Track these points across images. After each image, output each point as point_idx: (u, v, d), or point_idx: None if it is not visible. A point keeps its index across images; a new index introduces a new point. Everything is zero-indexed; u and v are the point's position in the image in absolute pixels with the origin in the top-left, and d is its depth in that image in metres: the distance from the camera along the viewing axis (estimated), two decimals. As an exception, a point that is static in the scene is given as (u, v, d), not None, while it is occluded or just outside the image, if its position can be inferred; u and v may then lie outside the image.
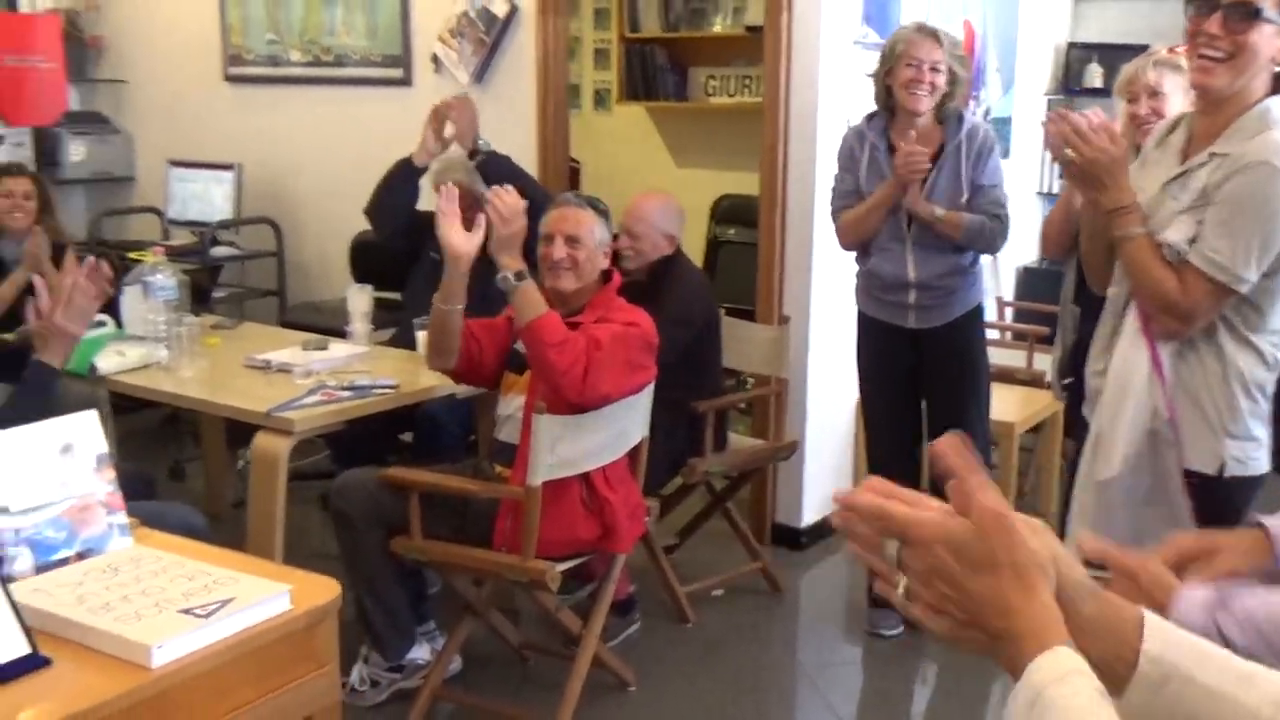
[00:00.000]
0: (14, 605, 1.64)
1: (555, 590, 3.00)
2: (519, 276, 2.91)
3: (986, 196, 3.50)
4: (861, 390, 3.86)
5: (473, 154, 4.00)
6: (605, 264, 3.16)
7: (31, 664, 1.60)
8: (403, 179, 4.08)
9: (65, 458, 1.93)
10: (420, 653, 3.28)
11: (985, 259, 3.79)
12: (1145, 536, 2.29)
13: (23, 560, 1.84)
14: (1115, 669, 0.89)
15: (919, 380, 3.69)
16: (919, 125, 3.50)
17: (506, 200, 2.96)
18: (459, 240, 2.97)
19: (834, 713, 3.39)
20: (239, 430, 3.57)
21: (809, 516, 4.43)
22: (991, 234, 3.52)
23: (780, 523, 4.45)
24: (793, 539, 4.42)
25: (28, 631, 1.62)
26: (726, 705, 3.37)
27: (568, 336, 2.88)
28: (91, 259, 2.85)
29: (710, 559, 4.13)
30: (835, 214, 3.68)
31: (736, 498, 4.09)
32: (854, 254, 3.73)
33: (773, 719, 3.43)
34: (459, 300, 3.02)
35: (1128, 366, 2.29)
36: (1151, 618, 0.91)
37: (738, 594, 4.02)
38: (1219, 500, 2.26)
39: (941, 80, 3.46)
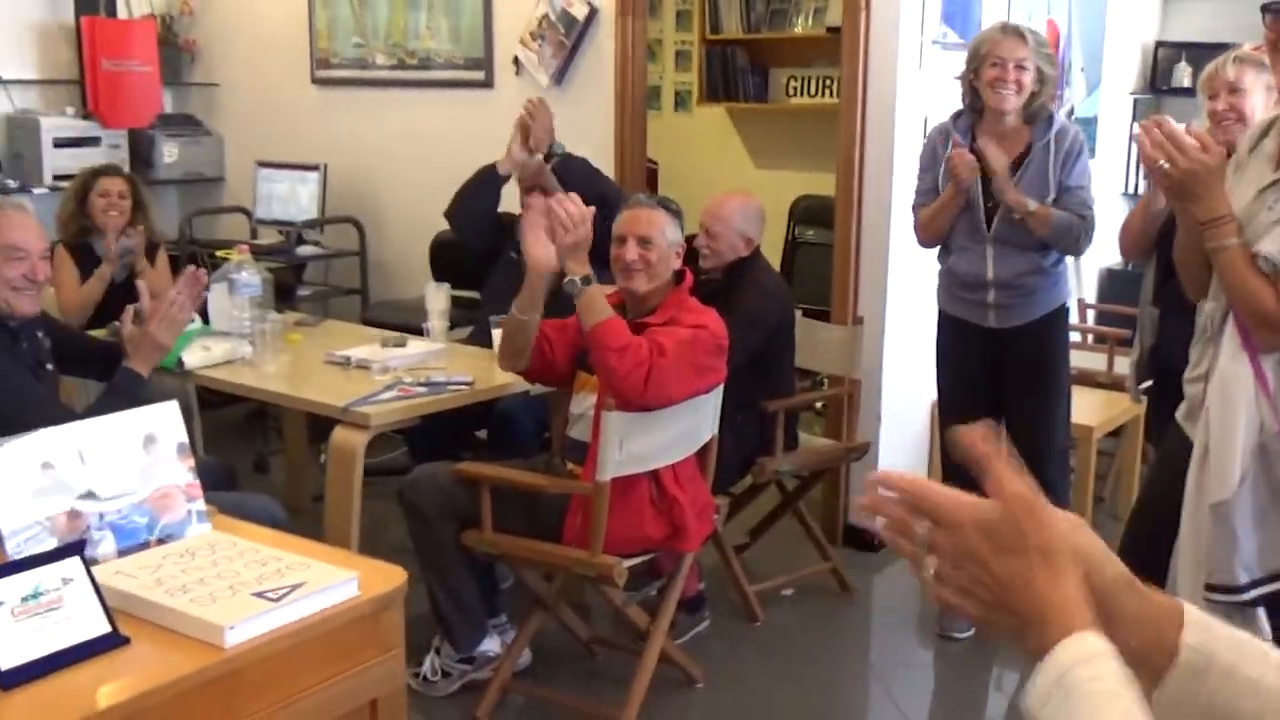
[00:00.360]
0: (96, 586, 1.71)
1: (622, 585, 3.03)
2: (585, 281, 2.96)
3: (1074, 198, 3.47)
4: (939, 389, 3.83)
5: (548, 157, 4.05)
6: (677, 264, 3.18)
7: (111, 642, 1.67)
8: (485, 185, 4.14)
9: (148, 446, 2.01)
10: (491, 645, 3.33)
11: (1069, 260, 3.74)
12: (1268, 554, 2.25)
13: (106, 544, 1.92)
14: (1155, 660, 0.90)
15: (998, 381, 3.66)
16: (1006, 124, 3.48)
17: (569, 208, 3.00)
18: (542, 253, 3.04)
19: (904, 715, 3.37)
20: (320, 426, 3.67)
21: (882, 518, 4.40)
22: (1077, 234, 3.48)
23: (853, 524, 4.43)
24: (865, 540, 4.39)
25: (108, 611, 1.69)
26: (794, 704, 3.37)
27: (630, 341, 2.91)
28: (191, 268, 2.97)
29: (781, 559, 4.13)
30: (914, 211, 3.70)
31: (809, 498, 4.09)
32: (935, 253, 3.73)
33: (841, 720, 3.44)
34: (536, 311, 3.10)
35: (1231, 381, 2.24)
36: (1191, 609, 0.91)
37: (808, 594, 4.02)
38: None
39: (1028, 79, 3.43)
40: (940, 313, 3.75)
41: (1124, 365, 4.22)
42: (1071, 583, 0.85)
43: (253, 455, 5.08)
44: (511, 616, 3.47)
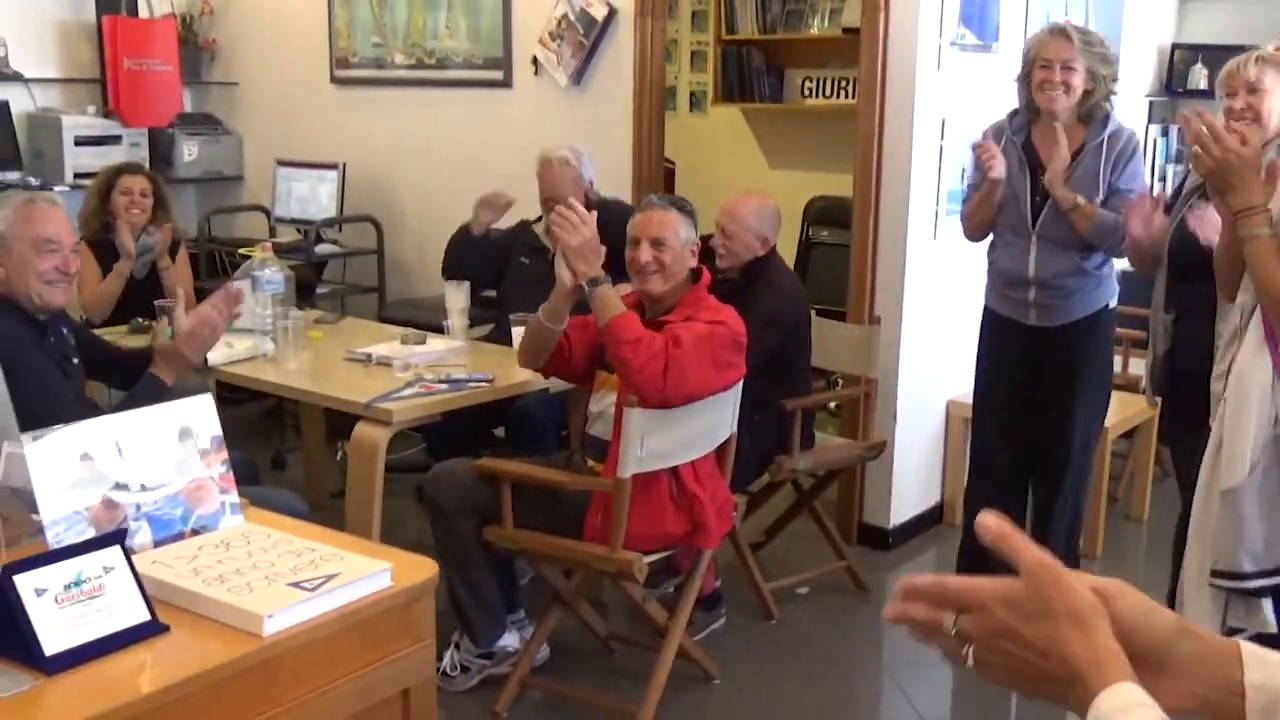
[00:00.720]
0: (136, 575, 1.74)
1: (642, 581, 3.06)
2: (593, 283, 3.00)
3: (1123, 200, 3.48)
4: (976, 383, 3.85)
5: (589, 205, 4.05)
6: (693, 263, 3.21)
7: (151, 630, 1.70)
8: (466, 246, 4.26)
9: (183, 439, 2.04)
10: (510, 640, 3.37)
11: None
12: (1277, 545, 2.27)
13: (143, 534, 1.95)
14: (1227, 703, 0.90)
15: (1035, 378, 3.67)
16: (1061, 124, 3.50)
17: (568, 214, 3.05)
18: (570, 275, 3.07)
19: (918, 713, 3.40)
20: (338, 423, 3.71)
21: (897, 517, 4.44)
22: (1122, 235, 3.48)
23: (868, 523, 4.46)
24: (880, 539, 4.42)
25: (148, 600, 1.73)
26: (809, 701, 3.39)
27: (643, 334, 2.94)
28: (228, 285, 3.00)
29: (796, 557, 4.16)
30: (963, 204, 3.76)
31: (824, 497, 4.11)
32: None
33: (856, 717, 3.46)
34: (561, 323, 3.14)
35: (1249, 373, 2.27)
36: (1248, 646, 0.92)
37: (823, 592, 4.04)
38: None
39: (1076, 80, 3.45)
40: (985, 309, 3.77)
41: (1138, 366, 4.24)
42: (1104, 638, 0.86)
43: (270, 452, 5.12)
44: (530, 612, 3.50)
